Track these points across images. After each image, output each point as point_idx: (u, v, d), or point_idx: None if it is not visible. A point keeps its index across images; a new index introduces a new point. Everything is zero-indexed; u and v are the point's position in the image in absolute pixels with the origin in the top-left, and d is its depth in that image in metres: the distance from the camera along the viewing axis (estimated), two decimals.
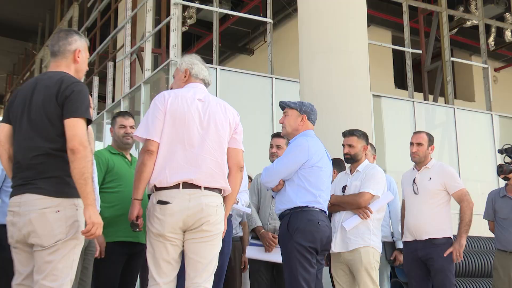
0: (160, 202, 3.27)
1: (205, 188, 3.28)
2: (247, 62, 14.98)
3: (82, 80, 3.14)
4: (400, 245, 5.53)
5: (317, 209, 4.04)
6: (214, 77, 8.96)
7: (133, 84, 10.74)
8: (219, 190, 3.37)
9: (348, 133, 4.86)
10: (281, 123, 4.33)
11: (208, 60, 12.34)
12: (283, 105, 4.36)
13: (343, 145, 4.85)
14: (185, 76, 3.59)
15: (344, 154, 4.84)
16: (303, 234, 3.95)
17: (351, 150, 4.79)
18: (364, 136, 4.84)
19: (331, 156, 4.39)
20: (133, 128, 4.59)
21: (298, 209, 4.01)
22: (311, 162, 4.06)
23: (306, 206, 4.01)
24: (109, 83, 12.11)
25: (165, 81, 9.24)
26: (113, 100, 12.12)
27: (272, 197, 4.85)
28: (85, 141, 2.84)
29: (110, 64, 12.30)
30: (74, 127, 2.84)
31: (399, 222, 5.46)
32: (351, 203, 4.57)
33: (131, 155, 4.58)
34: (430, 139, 5.24)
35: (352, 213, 4.58)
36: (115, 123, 4.51)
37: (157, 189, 3.32)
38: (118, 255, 4.21)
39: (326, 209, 4.14)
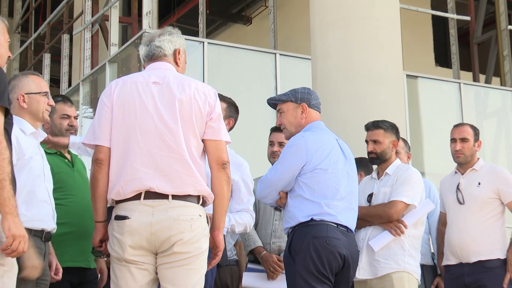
0: (118, 218, 3.31)
1: (174, 196, 3.29)
2: (243, 33, 14.99)
3: (4, 68, 3.10)
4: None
5: (326, 222, 3.99)
6: (201, 53, 8.98)
7: (96, 63, 10.76)
8: (195, 198, 3.35)
9: (372, 126, 4.87)
10: (279, 125, 4.33)
11: (192, 31, 12.39)
12: (273, 102, 4.33)
13: (367, 141, 4.87)
14: (144, 61, 3.65)
15: (368, 153, 4.84)
16: (307, 257, 3.93)
17: (377, 147, 4.79)
18: (393, 128, 4.85)
19: (354, 155, 4.37)
20: (77, 119, 4.57)
21: (301, 225, 4.01)
22: (312, 165, 4.05)
23: (311, 219, 4.00)
24: (64, 62, 12.13)
25: (137, 59, 9.26)
26: (69, 84, 12.14)
27: (276, 209, 4.87)
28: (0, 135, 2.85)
29: (66, 37, 12.33)
30: None
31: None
32: (379, 216, 4.58)
33: (69, 152, 4.48)
34: (476, 132, 5.24)
35: (381, 229, 4.61)
36: (54, 111, 4.36)
37: (117, 202, 3.36)
38: (63, 284, 4.19)
39: (345, 221, 4.07)
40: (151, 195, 3.29)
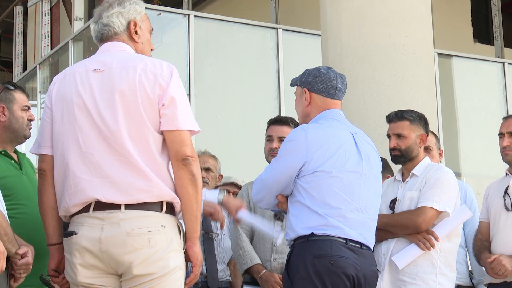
0: (65, 235, 3.35)
1: (128, 206, 3.28)
2: (238, 4, 15.00)
3: None
4: None
5: (330, 237, 3.95)
6: (185, 28, 9.01)
7: (57, 41, 10.78)
8: (156, 206, 3.32)
9: (395, 117, 4.87)
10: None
11: (176, 2, 12.38)
12: (291, 85, 4.37)
13: (389, 136, 4.89)
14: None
15: (391, 150, 4.86)
16: (307, 281, 3.91)
17: (401, 142, 4.80)
18: (421, 120, 4.85)
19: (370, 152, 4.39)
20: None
21: (301, 239, 3.99)
22: (312, 165, 3.99)
23: (311, 233, 3.96)
24: (18, 41, 12.15)
25: None
26: (24, 68, 12.15)
27: (276, 217, 4.89)
28: None
29: (19, 10, 12.34)
30: None
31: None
32: (404, 226, 4.59)
33: (16, 150, 4.44)
34: None
35: (407, 242, 4.64)
36: (13, 101, 4.36)
37: (70, 217, 3.40)
38: None
39: (358, 235, 4.03)
40: (101, 205, 3.29)
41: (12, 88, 4.43)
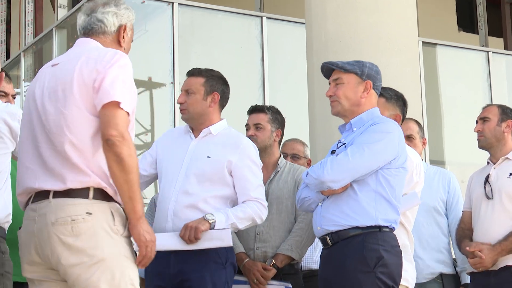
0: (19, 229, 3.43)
1: (56, 194, 3.28)
2: None
3: None
4: (467, 278, 5.61)
5: (392, 231, 4.18)
6: (169, 17, 8.99)
7: (40, 29, 10.74)
8: (83, 192, 3.29)
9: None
10: (330, 96, 4.32)
11: None
12: (334, 67, 4.35)
13: None
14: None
15: None
16: (390, 269, 4.06)
17: None
18: (398, 100, 4.74)
19: None
20: (15, 98, 4.61)
21: (374, 228, 4.09)
22: (399, 161, 4.16)
23: (388, 227, 4.13)
24: (1, 28, 12.09)
25: None
26: (7, 56, 12.09)
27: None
28: None
29: None
30: None
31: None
32: None
33: None
34: (505, 112, 5.29)
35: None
36: None
37: None
38: None
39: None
40: (36, 196, 3.32)
41: None
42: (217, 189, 4.52)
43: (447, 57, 10.48)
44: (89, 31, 3.54)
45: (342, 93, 4.27)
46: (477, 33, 11.21)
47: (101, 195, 3.30)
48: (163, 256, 4.33)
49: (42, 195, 3.29)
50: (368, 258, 4.04)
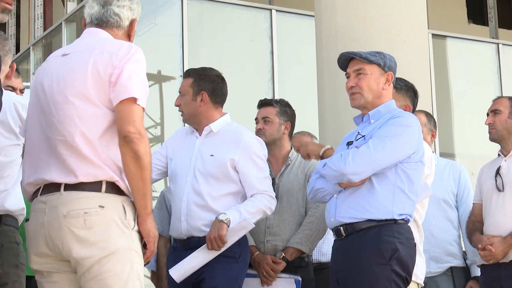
0: (27, 221, 3.41)
1: (68, 187, 3.27)
2: None
3: None
4: (477, 271, 5.60)
5: (408, 224, 4.19)
6: (179, 10, 8.98)
7: (49, 23, 10.74)
8: (95, 186, 3.29)
9: None
10: (352, 87, 4.27)
11: None
12: (357, 57, 4.30)
13: None
14: (83, 23, 3.64)
15: None
16: (404, 262, 4.08)
17: None
18: (408, 90, 4.74)
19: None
20: (23, 92, 4.60)
21: (391, 221, 4.10)
22: (419, 155, 4.18)
23: (404, 219, 4.14)
24: (11, 22, 12.10)
25: None
26: (17, 50, 12.11)
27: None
28: None
29: None
30: None
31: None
32: None
33: None
34: None
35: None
36: None
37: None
38: None
39: None
40: (47, 188, 3.31)
41: None
42: (225, 187, 4.59)
43: (457, 49, 10.45)
44: (104, 23, 3.53)
45: (365, 84, 4.23)
46: (487, 25, 11.17)
47: (113, 188, 3.30)
48: (180, 251, 4.54)
49: (52, 187, 3.28)
50: (383, 250, 4.05)
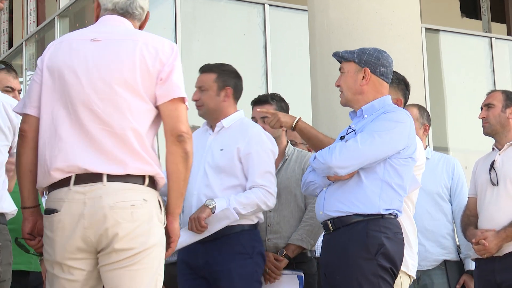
0: (47, 212, 3.28)
1: (111, 178, 3.25)
2: None
3: None
4: (471, 265, 5.61)
5: (396, 218, 4.19)
6: (172, 5, 8.97)
7: (42, 18, 10.72)
8: (139, 179, 3.30)
9: None
10: (337, 86, 4.35)
11: None
12: (338, 58, 4.39)
13: None
14: (97, 8, 3.57)
15: None
16: (391, 256, 4.09)
17: None
18: (399, 83, 4.74)
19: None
20: (20, 93, 4.57)
21: (378, 216, 4.11)
22: (409, 151, 4.17)
23: (392, 214, 4.15)
24: (4, 18, 12.08)
25: (93, 12, 9.22)
26: (10, 45, 12.08)
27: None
28: None
29: None
30: None
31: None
32: None
33: None
34: (510, 98, 5.26)
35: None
36: None
37: (48, 191, 3.33)
38: None
39: None
40: (82, 179, 3.25)
41: (0, 67, 4.47)
42: (233, 180, 4.61)
43: (450, 43, 10.47)
44: (129, 15, 3.52)
45: (343, 82, 4.30)
46: (480, 19, 11.19)
47: (152, 183, 3.32)
48: (190, 246, 4.53)
49: (91, 177, 3.24)
50: (370, 245, 4.06)
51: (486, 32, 10.81)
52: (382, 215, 4.10)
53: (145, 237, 3.25)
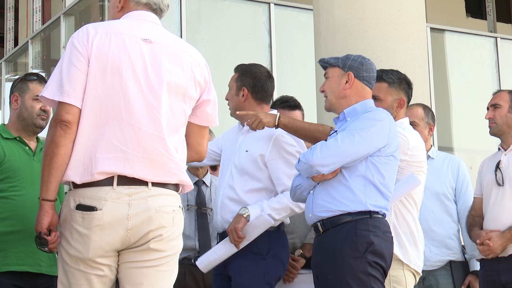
0: (82, 208, 3.22)
1: (154, 184, 3.28)
2: None
3: None
4: (476, 265, 5.60)
5: (384, 217, 4.23)
6: (177, 4, 8.97)
7: (48, 16, 10.72)
8: (174, 186, 3.37)
9: (375, 77, 4.84)
10: (322, 91, 4.42)
11: None
12: (323, 64, 4.46)
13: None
14: (120, 1, 3.52)
15: None
16: (380, 254, 4.12)
17: (377, 105, 4.72)
18: (401, 83, 4.78)
19: None
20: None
21: (366, 214, 4.14)
22: (390, 149, 4.20)
23: (378, 212, 4.17)
24: (9, 16, 12.07)
25: (99, 10, 9.23)
26: (15, 43, 12.09)
27: None
28: None
29: None
30: None
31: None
32: None
33: (38, 139, 4.59)
34: None
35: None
36: (26, 91, 4.51)
37: (77, 186, 3.26)
38: None
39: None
40: (125, 180, 3.24)
41: (32, 78, 4.59)
42: (256, 183, 4.62)
43: (455, 43, 10.45)
44: (159, 11, 3.56)
45: (327, 87, 4.37)
46: (486, 19, 11.17)
47: (180, 191, 3.43)
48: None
49: (134, 181, 3.25)
50: (358, 243, 4.09)
51: (491, 32, 10.79)
52: (370, 214, 4.13)
53: (177, 241, 3.36)
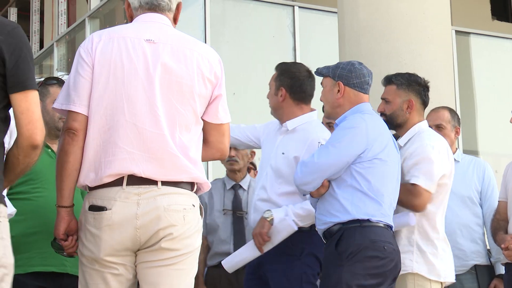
0: (93, 208, 3.28)
1: (164, 183, 3.30)
2: None
3: None
4: (501, 269, 5.57)
5: (382, 225, 4.17)
6: (201, 6, 8.99)
7: (73, 19, 10.78)
8: (188, 185, 3.37)
9: (384, 80, 4.81)
10: (321, 101, 4.47)
11: None
12: (317, 74, 4.51)
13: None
14: (127, 12, 3.56)
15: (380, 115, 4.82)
16: (362, 263, 4.08)
17: (386, 107, 4.72)
18: (410, 85, 4.74)
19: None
20: None
21: (355, 223, 4.13)
22: (371, 153, 4.17)
23: (368, 220, 4.14)
24: (35, 19, 12.15)
25: (123, 13, 9.25)
26: (41, 46, 12.16)
27: None
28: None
29: None
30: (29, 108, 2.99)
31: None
32: (401, 202, 4.50)
33: None
34: None
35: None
36: (46, 95, 4.52)
37: (90, 188, 3.33)
38: None
39: (392, 224, 4.25)
40: (135, 180, 3.27)
41: (52, 82, 4.59)
42: (290, 187, 4.58)
43: (480, 46, 10.41)
44: (156, 7, 3.50)
45: (323, 97, 4.44)
46: (511, 22, 11.09)
47: (198, 190, 3.43)
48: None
49: (143, 180, 3.28)
50: (340, 250, 4.10)
51: None
52: (360, 223, 4.12)
53: (191, 240, 3.34)
